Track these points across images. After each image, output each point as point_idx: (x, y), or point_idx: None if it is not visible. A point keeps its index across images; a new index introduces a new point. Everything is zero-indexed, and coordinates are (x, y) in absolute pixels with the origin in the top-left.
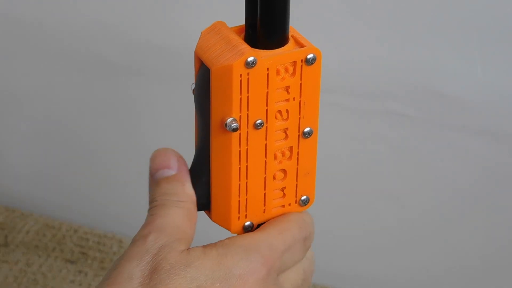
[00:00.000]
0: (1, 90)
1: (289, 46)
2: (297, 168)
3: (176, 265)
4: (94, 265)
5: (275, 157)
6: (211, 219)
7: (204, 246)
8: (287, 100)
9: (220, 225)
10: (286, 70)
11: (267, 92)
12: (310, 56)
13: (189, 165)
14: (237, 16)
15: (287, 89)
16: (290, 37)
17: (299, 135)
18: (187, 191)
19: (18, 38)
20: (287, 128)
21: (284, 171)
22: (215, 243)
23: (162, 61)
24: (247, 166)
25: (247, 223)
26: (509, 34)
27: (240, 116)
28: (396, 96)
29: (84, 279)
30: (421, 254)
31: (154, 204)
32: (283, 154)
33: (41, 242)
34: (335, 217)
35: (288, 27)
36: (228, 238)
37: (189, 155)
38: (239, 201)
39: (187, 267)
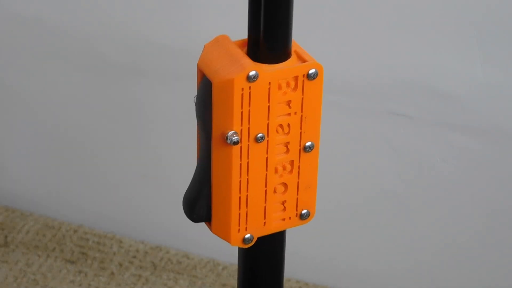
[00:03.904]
0: (2, 90)
1: (292, 60)
2: (297, 182)
3: None
4: (94, 265)
5: (276, 171)
6: (211, 230)
7: None
8: (289, 114)
9: (220, 237)
10: (288, 84)
11: (269, 106)
12: (312, 71)
13: (192, 174)
14: (239, 17)
15: (288, 103)
16: (292, 52)
17: (300, 149)
18: None
19: (19, 37)
20: (288, 142)
21: (284, 184)
22: None
23: (164, 62)
24: (247, 179)
25: (247, 235)
26: (509, 34)
27: (241, 130)
28: (396, 96)
29: (84, 279)
30: (421, 253)
31: None
32: (284, 168)
33: (41, 242)
34: (335, 217)
35: (291, 42)
36: None
37: (190, 157)
38: (239, 213)
39: None
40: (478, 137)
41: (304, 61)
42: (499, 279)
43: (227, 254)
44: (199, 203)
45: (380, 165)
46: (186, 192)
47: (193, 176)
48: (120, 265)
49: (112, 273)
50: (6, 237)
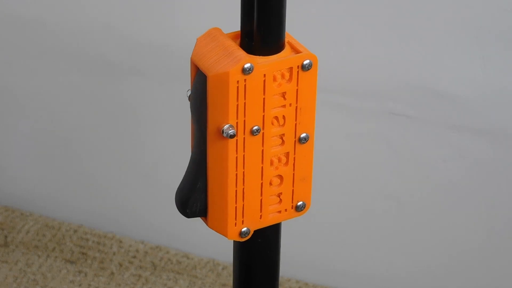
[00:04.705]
0: (1, 90)
1: (285, 52)
2: (293, 174)
3: None
4: (94, 265)
5: (272, 163)
6: (207, 225)
7: None
8: (284, 106)
9: (216, 231)
10: (283, 76)
11: (264, 98)
12: (306, 62)
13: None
14: (235, 14)
15: (283, 95)
16: (286, 43)
17: (295, 141)
18: None
19: (19, 37)
20: (283, 134)
21: (280, 177)
22: None
23: (163, 61)
24: (243, 172)
25: (244, 229)
26: (509, 34)
27: (237, 123)
28: (396, 96)
29: (84, 279)
30: (421, 253)
31: None
32: (279, 160)
33: (41, 242)
34: (335, 217)
35: (284, 34)
36: None
37: (188, 157)
38: (235, 207)
39: None
40: (478, 138)
41: (298, 52)
42: (499, 279)
43: (227, 254)
44: (193, 198)
45: (380, 165)
46: (178, 188)
47: (186, 171)
48: (120, 265)
49: (112, 273)
50: (6, 237)
